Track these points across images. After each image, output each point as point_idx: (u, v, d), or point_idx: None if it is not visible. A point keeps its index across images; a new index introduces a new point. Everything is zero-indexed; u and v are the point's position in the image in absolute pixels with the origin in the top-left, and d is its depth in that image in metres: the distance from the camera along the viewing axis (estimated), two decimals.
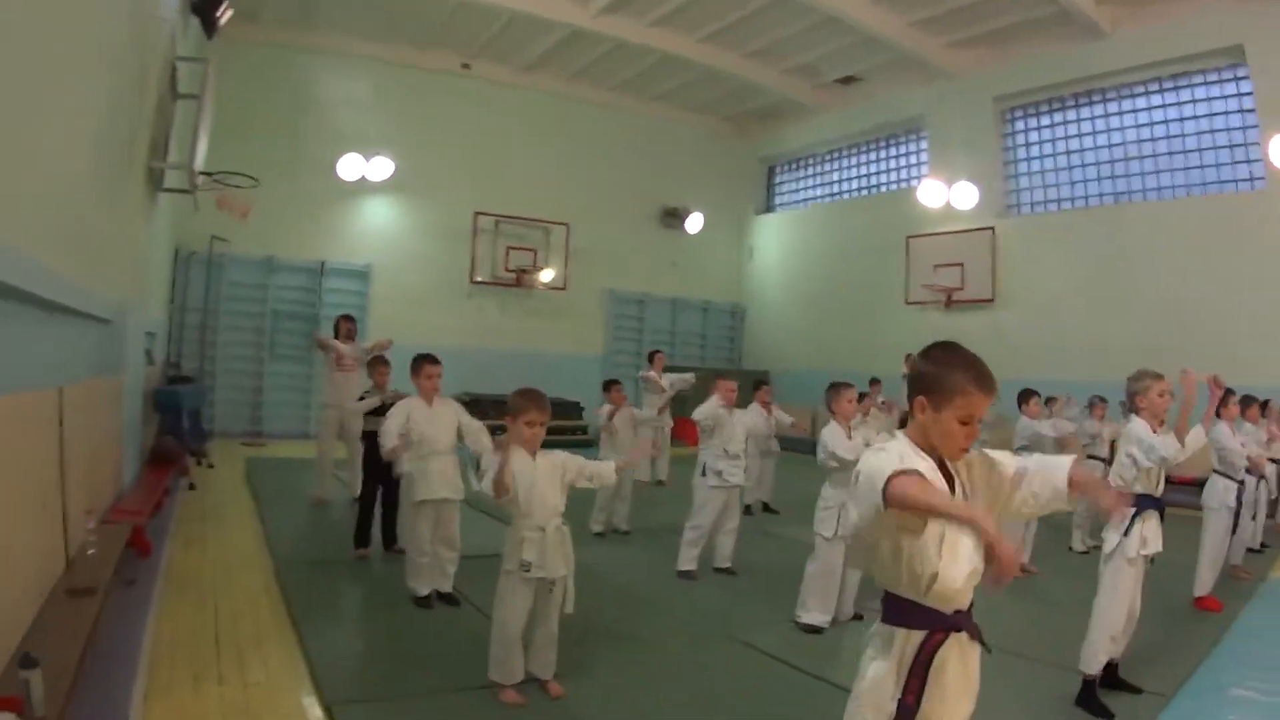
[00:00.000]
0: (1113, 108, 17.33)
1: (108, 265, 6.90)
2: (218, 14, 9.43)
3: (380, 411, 7.58)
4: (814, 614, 6.61)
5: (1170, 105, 16.45)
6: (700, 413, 8.26)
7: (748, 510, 11.08)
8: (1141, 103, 16.88)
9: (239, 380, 17.64)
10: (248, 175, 12.59)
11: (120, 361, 8.14)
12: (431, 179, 19.76)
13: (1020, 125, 19.08)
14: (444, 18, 18.02)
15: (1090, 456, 10.94)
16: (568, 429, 17.42)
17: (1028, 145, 18.97)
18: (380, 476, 7.97)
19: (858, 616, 6.85)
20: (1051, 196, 18.50)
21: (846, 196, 23.31)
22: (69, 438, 5.11)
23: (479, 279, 20.40)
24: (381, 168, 18.86)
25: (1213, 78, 15.81)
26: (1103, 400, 11.37)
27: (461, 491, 6.66)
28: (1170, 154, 16.47)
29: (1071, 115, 18.06)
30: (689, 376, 13.87)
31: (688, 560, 8.12)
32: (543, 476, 4.93)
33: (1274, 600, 8.36)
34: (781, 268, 24.38)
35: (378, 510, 8.22)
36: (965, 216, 19.03)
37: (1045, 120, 18.60)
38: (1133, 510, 5.22)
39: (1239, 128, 15.50)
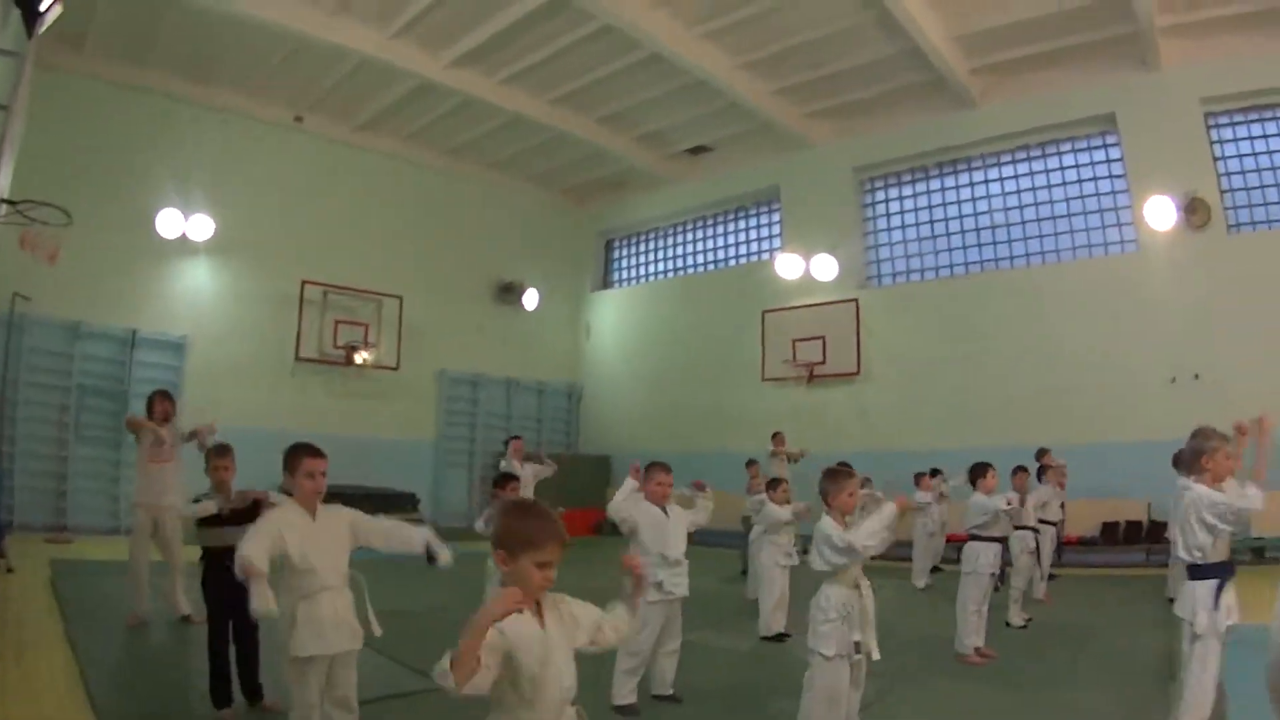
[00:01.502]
0: (978, 176, 17.70)
1: None
2: (42, 5, 7.58)
3: (226, 521, 6.03)
4: None
5: (1039, 173, 16.92)
6: (620, 510, 6.92)
7: None
8: (1009, 170, 17.39)
9: (40, 465, 15.34)
10: (59, 208, 10.55)
11: None
12: (257, 242, 18.09)
13: (881, 195, 19.11)
14: (278, 61, 16.66)
15: (1018, 527, 10.31)
16: None
17: (889, 215, 18.98)
18: (228, 609, 6.07)
19: None
20: (915, 266, 18.58)
21: (693, 271, 22.89)
22: None
23: (305, 355, 18.67)
24: (202, 226, 17.06)
25: (1082, 145, 16.51)
26: (1024, 469, 10.68)
27: (361, 637, 4.99)
28: (1039, 220, 16.89)
29: (935, 184, 18.32)
30: (550, 466, 13.08)
31: (626, 692, 6.63)
32: (557, 647, 3.08)
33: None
34: (622, 346, 23.64)
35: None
36: (825, 288, 18.89)
37: (908, 190, 18.75)
38: (1216, 582, 5.14)
39: (1109, 193, 16.10)
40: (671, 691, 6.90)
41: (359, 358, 19.22)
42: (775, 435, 16.57)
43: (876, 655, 5.60)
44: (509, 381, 22.53)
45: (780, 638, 9.27)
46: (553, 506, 3.28)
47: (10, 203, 9.42)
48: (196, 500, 6.31)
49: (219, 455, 6.53)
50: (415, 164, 20.74)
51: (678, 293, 22.60)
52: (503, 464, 12.88)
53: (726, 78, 16.41)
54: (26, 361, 15.26)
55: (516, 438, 13.40)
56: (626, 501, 6.96)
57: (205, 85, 17.32)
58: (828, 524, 5.56)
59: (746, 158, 20.42)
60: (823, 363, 18.64)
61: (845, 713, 5.51)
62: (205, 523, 6.19)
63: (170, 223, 16.72)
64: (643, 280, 24.00)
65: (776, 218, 20.84)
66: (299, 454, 5.01)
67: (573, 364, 24.30)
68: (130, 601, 8.89)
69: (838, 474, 5.80)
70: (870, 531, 5.44)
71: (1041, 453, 12.88)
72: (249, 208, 17.94)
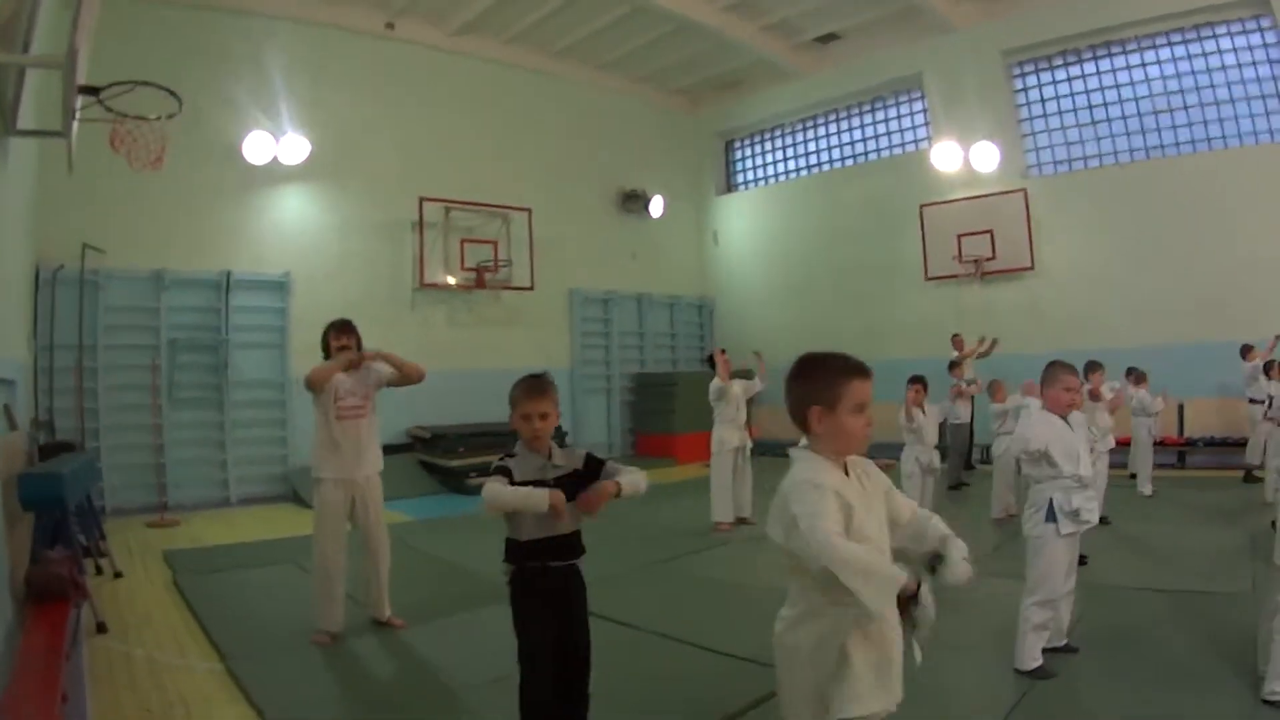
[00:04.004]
0: (1134, 59, 16.33)
1: None
2: None
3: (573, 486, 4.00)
4: None
5: (1196, 56, 15.55)
6: (1031, 438, 5.41)
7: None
8: (1165, 54, 15.89)
9: (132, 437, 13.13)
10: (163, 88, 8.02)
11: None
12: (358, 162, 15.85)
13: (1032, 80, 17.39)
14: None
15: None
16: None
17: (1043, 101, 17.28)
18: (555, 639, 4.02)
19: None
20: (1076, 154, 16.93)
21: (830, 167, 20.73)
22: None
23: (430, 281, 16.51)
24: (295, 148, 14.76)
25: (1237, 28, 15.06)
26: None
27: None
28: (1202, 105, 15.51)
29: (1090, 68, 16.68)
30: (757, 381, 11.42)
31: (1036, 653, 5.36)
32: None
33: None
34: (754, 252, 21.67)
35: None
36: (984, 180, 17.23)
37: (1060, 74, 17.07)
38: None
39: (1270, 78, 14.83)
40: (1066, 641, 5.73)
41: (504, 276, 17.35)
42: (954, 337, 15.65)
43: None
44: (640, 297, 20.41)
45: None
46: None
47: (92, 90, 6.99)
48: (499, 469, 4.00)
49: (533, 395, 4.14)
50: (520, 69, 18.44)
51: (815, 191, 20.63)
52: (714, 384, 11.02)
53: None
54: (105, 321, 13.13)
55: (721, 350, 11.43)
56: (1033, 422, 5.54)
57: None
58: None
59: (882, 45, 18.44)
60: (992, 258, 17.08)
61: None
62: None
63: (258, 147, 14.47)
64: (772, 180, 21.95)
65: (919, 107, 18.99)
66: (844, 375, 2.91)
67: (702, 275, 22.42)
68: (317, 614, 6.62)
69: None
70: None
71: (1246, 350, 13.03)
72: (344, 126, 15.73)
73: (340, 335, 6.83)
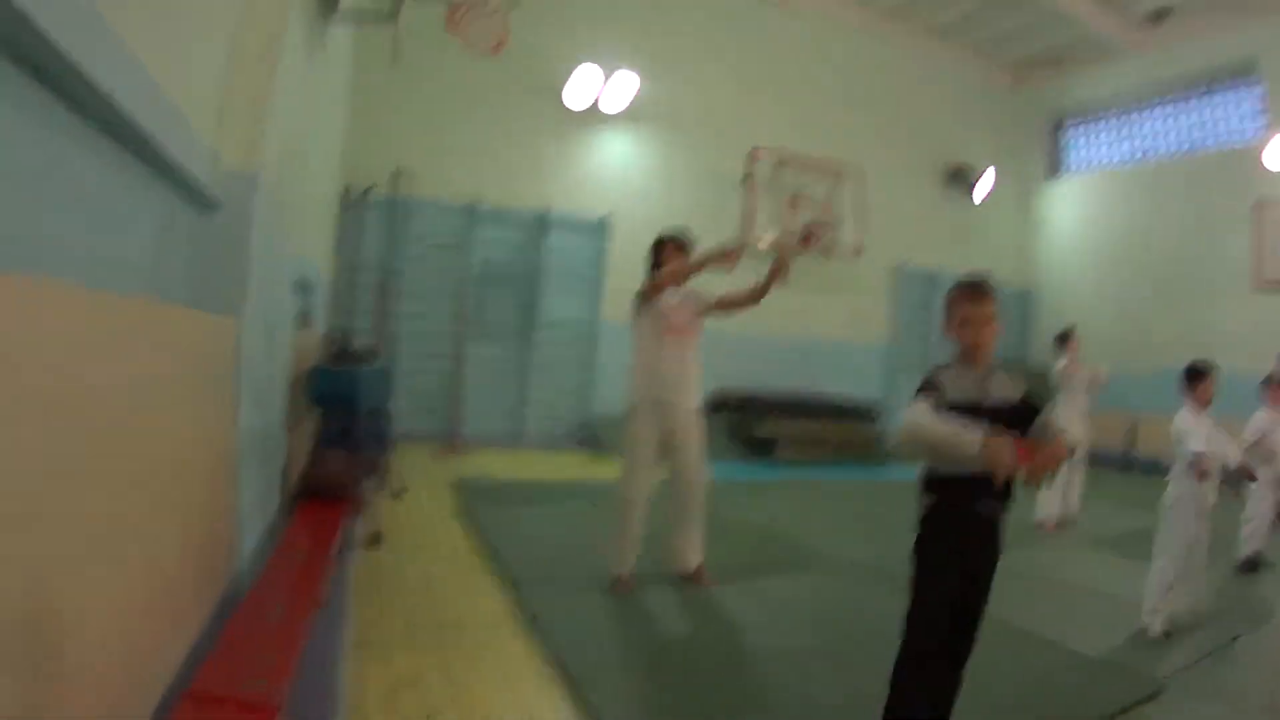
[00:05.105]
0: None
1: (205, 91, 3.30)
2: None
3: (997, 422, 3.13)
4: None
5: None
6: None
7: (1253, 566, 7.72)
8: None
9: (429, 363, 12.94)
10: None
11: (237, 289, 3.52)
12: (686, 109, 15.14)
13: None
14: None
15: None
16: (857, 441, 14.10)
17: None
18: (961, 600, 3.24)
19: None
20: None
21: (1157, 157, 18.49)
22: None
23: (756, 237, 15.39)
24: (624, 88, 14.13)
25: None
26: None
27: None
28: None
29: None
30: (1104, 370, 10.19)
31: None
32: None
33: None
34: (1079, 244, 19.67)
35: None
36: None
37: None
38: None
39: None
40: None
41: (839, 240, 16.38)
42: None
43: None
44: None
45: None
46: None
47: None
48: (927, 385, 3.35)
49: (976, 297, 3.44)
50: (848, 27, 17.38)
51: (1140, 181, 18.51)
52: (1059, 366, 9.84)
53: None
54: (413, 247, 12.96)
55: (1071, 332, 10.05)
56: None
57: None
58: None
59: (1216, 24, 16.29)
60: None
61: None
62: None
63: (583, 85, 13.96)
64: (1098, 168, 19.91)
65: (1258, 93, 16.51)
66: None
67: (1024, 263, 20.51)
68: (610, 552, 5.87)
69: None
70: None
71: None
72: (672, 72, 15.08)
73: (678, 252, 6.14)
